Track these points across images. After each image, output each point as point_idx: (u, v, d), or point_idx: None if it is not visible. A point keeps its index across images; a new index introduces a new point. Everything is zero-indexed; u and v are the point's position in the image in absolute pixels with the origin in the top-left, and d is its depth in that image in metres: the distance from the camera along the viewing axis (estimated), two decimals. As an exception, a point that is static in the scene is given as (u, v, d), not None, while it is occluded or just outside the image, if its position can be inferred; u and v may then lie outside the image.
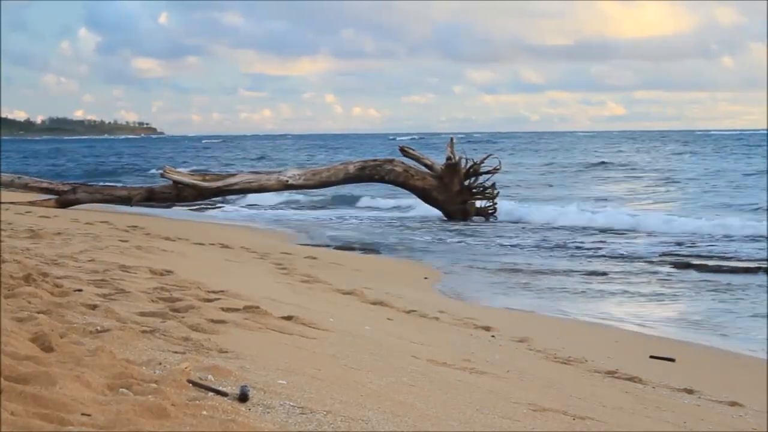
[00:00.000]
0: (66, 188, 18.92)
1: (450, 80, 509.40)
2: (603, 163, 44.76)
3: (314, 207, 23.55)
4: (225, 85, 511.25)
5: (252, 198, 22.55)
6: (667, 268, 12.40)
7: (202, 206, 21.86)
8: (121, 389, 3.04)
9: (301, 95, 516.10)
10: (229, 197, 21.78)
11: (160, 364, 3.54)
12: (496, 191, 19.27)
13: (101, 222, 13.91)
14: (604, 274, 11.83)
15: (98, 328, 4.09)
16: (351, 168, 19.12)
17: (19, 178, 19.83)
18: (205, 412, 2.89)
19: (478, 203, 19.32)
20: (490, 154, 20.06)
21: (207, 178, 18.85)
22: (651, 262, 12.95)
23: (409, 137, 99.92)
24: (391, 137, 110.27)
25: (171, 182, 18.40)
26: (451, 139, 19.68)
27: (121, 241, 10.52)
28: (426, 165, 19.26)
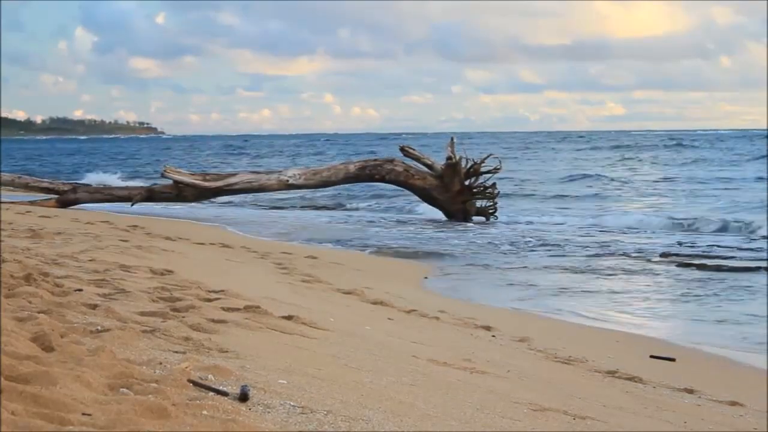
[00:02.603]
0: (66, 188, 18.93)
1: (448, 80, 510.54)
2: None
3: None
4: (223, 85, 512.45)
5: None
6: (667, 267, 12.40)
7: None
8: (121, 389, 3.04)
9: (299, 95, 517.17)
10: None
11: (161, 363, 3.53)
12: (496, 191, 19.27)
13: (102, 221, 13.91)
14: (603, 273, 11.82)
15: (98, 327, 4.09)
16: (351, 168, 19.12)
17: (19, 177, 19.85)
18: (205, 412, 2.89)
19: (479, 203, 19.31)
20: (491, 154, 20.04)
21: (207, 177, 18.85)
22: (650, 261, 12.94)
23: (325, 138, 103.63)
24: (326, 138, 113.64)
25: (171, 182, 18.42)
26: (452, 138, 19.66)
27: (121, 240, 10.52)
28: (426, 165, 19.25)
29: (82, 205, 18.55)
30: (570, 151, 58.78)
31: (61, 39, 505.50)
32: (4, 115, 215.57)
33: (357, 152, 56.87)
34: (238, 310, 5.42)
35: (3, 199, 16.35)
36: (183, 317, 4.84)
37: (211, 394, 3.17)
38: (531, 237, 16.16)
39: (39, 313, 4.20)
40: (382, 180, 19.35)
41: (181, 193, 18.42)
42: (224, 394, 3.18)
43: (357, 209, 22.83)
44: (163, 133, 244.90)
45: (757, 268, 12.15)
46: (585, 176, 33.76)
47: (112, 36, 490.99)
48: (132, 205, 18.52)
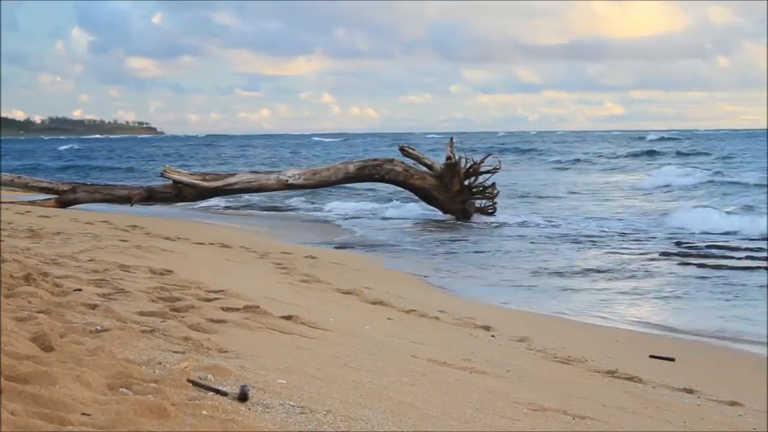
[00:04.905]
0: (66, 188, 18.93)
1: (446, 80, 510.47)
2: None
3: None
4: (221, 84, 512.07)
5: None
6: (667, 267, 12.40)
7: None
8: (121, 389, 3.04)
9: (297, 95, 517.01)
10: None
11: (160, 363, 3.53)
12: (496, 191, 19.28)
13: (101, 221, 13.91)
14: (603, 272, 11.82)
15: (98, 327, 4.08)
16: (351, 168, 19.13)
17: (19, 177, 19.84)
18: (205, 412, 2.89)
19: (478, 203, 19.32)
20: (490, 154, 20.09)
21: (207, 177, 18.87)
22: (650, 261, 12.94)
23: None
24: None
25: (171, 182, 18.42)
26: (451, 138, 19.68)
27: (121, 240, 10.52)
28: (426, 164, 19.26)
29: (80, 205, 18.56)
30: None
31: (58, 39, 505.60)
32: (3, 115, 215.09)
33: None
34: (237, 310, 5.42)
35: (3, 199, 16.35)
36: (182, 317, 4.84)
37: (211, 394, 3.17)
38: (530, 237, 16.16)
39: (38, 313, 4.20)
40: (382, 180, 19.36)
41: (180, 192, 18.44)
42: (224, 394, 3.18)
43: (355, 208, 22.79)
44: (162, 133, 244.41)
45: (757, 268, 12.16)
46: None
47: (109, 36, 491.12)
48: (131, 205, 18.52)
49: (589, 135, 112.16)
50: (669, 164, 37.67)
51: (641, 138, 77.00)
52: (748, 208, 20.48)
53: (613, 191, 28.05)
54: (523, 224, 18.47)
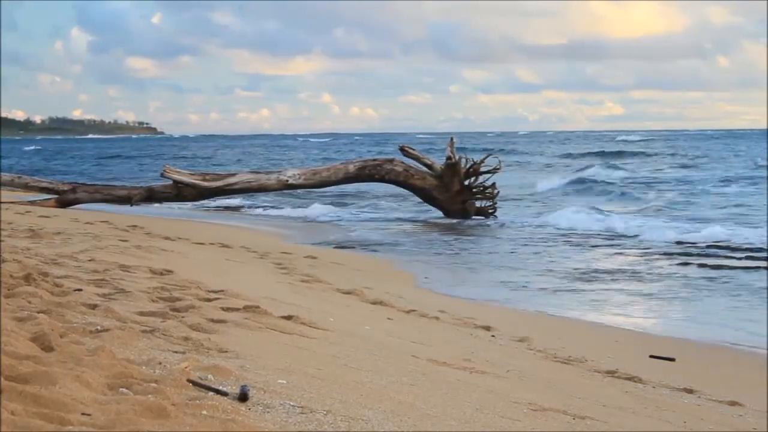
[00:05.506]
0: (66, 188, 18.94)
1: (446, 80, 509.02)
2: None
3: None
4: (221, 84, 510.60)
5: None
6: (667, 267, 12.40)
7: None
8: (121, 389, 3.04)
9: (297, 95, 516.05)
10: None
11: (160, 363, 3.53)
12: (496, 191, 19.27)
13: (101, 221, 13.91)
14: (602, 272, 11.82)
15: (98, 327, 4.09)
16: (351, 168, 19.14)
17: (19, 177, 19.85)
18: (205, 412, 2.89)
19: (478, 203, 19.32)
20: (490, 154, 20.09)
21: (207, 177, 18.87)
22: (650, 261, 12.94)
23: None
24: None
25: (171, 182, 18.43)
26: (452, 138, 19.68)
27: (121, 240, 10.52)
28: (426, 165, 19.26)
29: (80, 205, 18.57)
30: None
31: (57, 39, 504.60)
32: (3, 115, 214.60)
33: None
34: (237, 310, 5.42)
35: (3, 199, 16.36)
36: (182, 317, 4.84)
37: (211, 394, 3.17)
38: (530, 238, 16.17)
39: (39, 313, 4.20)
40: (382, 180, 19.36)
41: (180, 192, 18.45)
42: (224, 394, 3.18)
43: (357, 208, 22.75)
44: (162, 133, 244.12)
45: (757, 268, 12.17)
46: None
47: (108, 36, 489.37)
48: (132, 205, 18.53)
49: (581, 135, 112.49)
50: (597, 164, 38.13)
51: (612, 139, 78.20)
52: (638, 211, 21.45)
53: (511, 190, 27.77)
54: (521, 226, 18.45)
